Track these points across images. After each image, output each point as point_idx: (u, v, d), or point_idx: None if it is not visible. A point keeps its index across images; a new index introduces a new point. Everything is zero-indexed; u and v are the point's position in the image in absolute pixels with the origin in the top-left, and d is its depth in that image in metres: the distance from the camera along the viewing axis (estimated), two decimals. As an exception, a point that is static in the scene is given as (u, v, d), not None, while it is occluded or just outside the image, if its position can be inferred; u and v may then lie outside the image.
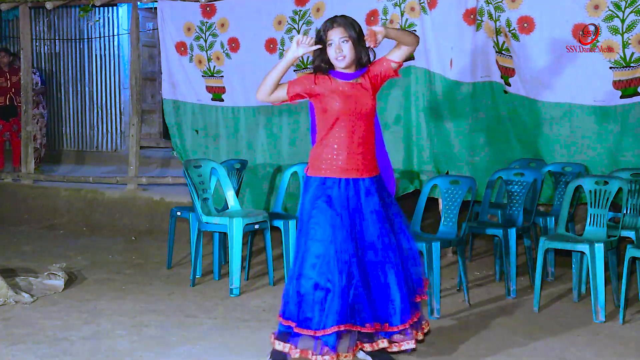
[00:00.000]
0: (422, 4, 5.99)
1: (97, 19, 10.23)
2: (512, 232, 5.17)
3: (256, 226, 5.50)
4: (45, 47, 10.77)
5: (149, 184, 8.02)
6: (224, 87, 7.00)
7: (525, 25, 5.65)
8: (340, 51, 3.66)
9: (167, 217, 6.33)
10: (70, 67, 10.63)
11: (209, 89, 7.08)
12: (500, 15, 5.72)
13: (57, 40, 10.66)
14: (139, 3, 7.70)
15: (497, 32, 5.78)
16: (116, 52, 10.32)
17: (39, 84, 9.75)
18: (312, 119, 3.90)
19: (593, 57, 5.48)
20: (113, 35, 10.27)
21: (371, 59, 3.78)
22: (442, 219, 5.13)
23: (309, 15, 6.49)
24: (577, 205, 5.70)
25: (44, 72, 10.62)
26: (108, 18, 10.28)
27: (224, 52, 6.92)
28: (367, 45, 3.69)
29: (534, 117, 5.80)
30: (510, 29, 5.69)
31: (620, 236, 4.92)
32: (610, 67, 5.45)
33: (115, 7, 10.01)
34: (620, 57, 5.39)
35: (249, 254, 5.90)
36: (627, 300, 4.72)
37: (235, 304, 5.05)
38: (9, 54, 9.44)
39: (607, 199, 4.83)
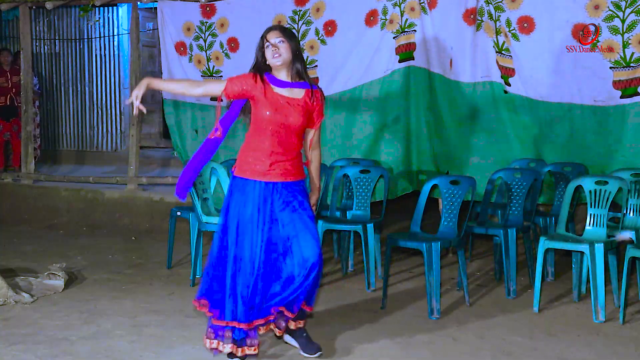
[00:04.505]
0: (422, 4, 5.99)
1: (97, 19, 10.22)
2: (512, 232, 5.17)
3: (256, 226, 5.49)
4: (45, 47, 10.77)
5: (149, 184, 8.02)
6: (223, 87, 6.99)
7: (525, 25, 5.65)
8: (277, 49, 3.78)
9: (167, 217, 6.33)
10: (70, 67, 10.62)
11: (209, 89, 7.07)
12: (500, 15, 5.72)
13: (57, 40, 10.66)
14: (139, 3, 7.70)
15: (497, 32, 5.78)
16: (116, 52, 10.32)
17: (36, 87, 9.76)
18: (228, 115, 4.06)
19: (593, 57, 5.48)
20: (113, 35, 10.27)
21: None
22: (442, 219, 5.13)
23: (308, 15, 6.49)
24: (577, 205, 5.70)
25: (43, 73, 10.62)
26: (108, 18, 10.27)
27: (223, 52, 6.92)
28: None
29: (534, 117, 5.79)
30: (510, 29, 5.69)
31: (620, 236, 4.93)
32: (611, 67, 5.45)
33: (115, 7, 10.01)
34: (621, 57, 5.39)
35: (249, 254, 5.89)
36: (627, 300, 4.72)
37: (235, 304, 5.04)
38: (11, 54, 9.46)
39: (607, 199, 4.83)
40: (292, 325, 3.95)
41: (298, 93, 3.87)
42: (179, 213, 6.03)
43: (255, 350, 3.87)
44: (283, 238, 3.86)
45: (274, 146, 3.86)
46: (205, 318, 4.74)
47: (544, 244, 4.84)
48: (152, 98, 10.54)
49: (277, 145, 3.86)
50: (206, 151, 4.12)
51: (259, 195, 3.86)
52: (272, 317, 3.86)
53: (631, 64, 5.38)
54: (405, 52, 6.14)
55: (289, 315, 3.83)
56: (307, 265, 3.79)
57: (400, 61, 6.16)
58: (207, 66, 7.04)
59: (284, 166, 3.88)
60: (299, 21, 6.55)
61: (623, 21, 5.36)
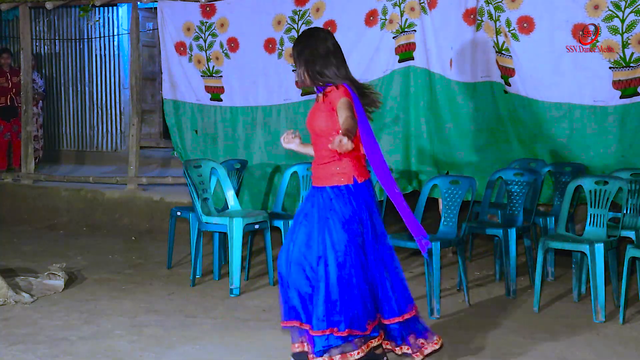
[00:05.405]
0: (422, 4, 5.99)
1: (97, 19, 10.22)
2: (512, 232, 5.17)
3: (256, 226, 5.50)
4: (45, 47, 10.77)
5: (149, 184, 8.02)
6: (222, 87, 7.00)
7: (525, 25, 5.65)
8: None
9: (167, 217, 6.34)
10: (70, 67, 10.62)
11: (208, 89, 7.08)
12: (500, 15, 5.72)
13: (57, 40, 10.66)
14: (139, 3, 7.70)
15: (497, 32, 5.78)
16: (116, 52, 10.32)
17: (42, 88, 9.77)
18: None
19: (593, 57, 5.48)
20: (113, 35, 10.27)
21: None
22: (442, 219, 5.13)
23: (308, 15, 6.49)
24: (577, 205, 5.70)
25: (43, 72, 10.62)
26: (108, 18, 10.27)
27: (223, 52, 6.92)
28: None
29: (534, 117, 5.79)
30: (510, 29, 5.69)
31: (620, 236, 4.92)
32: (610, 67, 5.45)
33: (115, 7, 10.01)
34: (620, 57, 5.39)
35: (249, 254, 5.90)
36: (627, 300, 4.72)
37: (235, 304, 5.05)
38: (12, 55, 9.46)
39: (607, 199, 4.83)
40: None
41: (321, 97, 3.80)
42: (179, 213, 6.03)
43: (296, 348, 3.82)
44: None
45: (315, 151, 3.88)
46: (205, 318, 4.75)
47: (544, 244, 4.84)
48: (152, 98, 10.55)
49: (315, 150, 3.87)
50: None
51: (308, 195, 3.90)
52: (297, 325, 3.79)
53: (631, 64, 5.38)
54: (405, 52, 6.14)
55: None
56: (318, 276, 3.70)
57: (400, 61, 6.16)
58: (207, 66, 7.03)
59: (316, 170, 3.85)
60: (298, 21, 6.54)
61: (622, 21, 5.35)
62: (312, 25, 6.45)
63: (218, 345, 4.22)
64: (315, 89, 3.86)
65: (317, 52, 3.71)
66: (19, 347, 4.16)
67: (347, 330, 3.61)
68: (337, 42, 3.82)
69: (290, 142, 3.95)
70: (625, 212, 5.07)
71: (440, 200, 5.60)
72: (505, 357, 4.02)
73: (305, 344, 3.76)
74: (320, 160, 3.82)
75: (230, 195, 5.76)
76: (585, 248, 4.68)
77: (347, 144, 3.39)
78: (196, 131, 7.21)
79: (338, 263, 3.66)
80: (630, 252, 4.54)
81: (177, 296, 5.27)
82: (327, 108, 3.72)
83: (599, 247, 4.64)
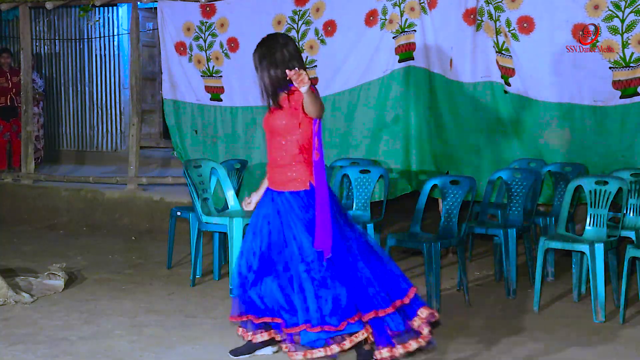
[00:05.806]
0: (422, 4, 5.99)
1: (97, 19, 10.22)
2: (512, 232, 5.17)
3: (256, 226, 5.49)
4: (45, 47, 10.77)
5: (149, 184, 8.02)
6: (222, 87, 7.00)
7: (525, 25, 5.65)
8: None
9: (167, 217, 6.34)
10: (70, 67, 10.62)
11: (208, 89, 7.08)
12: (500, 15, 5.72)
13: (57, 40, 10.66)
14: (139, 3, 7.70)
15: (497, 32, 5.78)
16: (116, 52, 10.32)
17: (41, 88, 9.77)
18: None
19: (593, 57, 5.48)
20: (113, 35, 10.27)
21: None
22: (442, 219, 5.13)
23: (308, 15, 6.49)
24: (577, 205, 5.70)
25: (43, 72, 10.62)
26: (108, 18, 10.27)
27: (223, 52, 6.92)
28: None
29: (534, 117, 5.79)
30: (510, 29, 5.69)
31: (620, 236, 4.92)
32: (610, 67, 5.45)
33: (115, 7, 10.01)
34: (620, 57, 5.40)
35: (249, 254, 5.89)
36: (627, 300, 4.72)
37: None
38: (12, 55, 9.46)
39: (607, 199, 4.83)
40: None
41: (283, 97, 3.83)
42: (179, 213, 6.03)
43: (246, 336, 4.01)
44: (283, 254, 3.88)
45: (268, 153, 3.94)
46: (205, 318, 4.75)
47: (544, 244, 4.84)
48: (152, 98, 10.55)
49: (269, 152, 3.93)
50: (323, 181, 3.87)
51: (266, 198, 3.97)
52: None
53: (631, 64, 5.38)
54: (405, 52, 6.14)
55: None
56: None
57: (400, 61, 6.16)
58: (207, 66, 7.04)
59: (272, 174, 3.92)
60: (298, 21, 6.54)
61: (622, 21, 5.36)
62: (312, 26, 6.46)
63: (218, 345, 4.22)
64: (269, 100, 3.84)
65: (278, 57, 3.76)
66: (19, 347, 4.16)
67: (318, 327, 3.67)
68: (297, 46, 3.89)
69: (251, 201, 4.08)
70: (625, 212, 5.07)
71: (440, 200, 5.60)
72: (505, 357, 4.02)
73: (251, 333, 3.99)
74: (274, 164, 3.88)
75: (230, 195, 5.76)
76: (585, 248, 4.68)
77: (305, 76, 3.44)
78: (196, 131, 7.21)
79: (305, 263, 3.74)
80: (630, 252, 4.54)
81: (177, 296, 5.27)
82: (291, 106, 3.77)
83: (599, 247, 4.64)
